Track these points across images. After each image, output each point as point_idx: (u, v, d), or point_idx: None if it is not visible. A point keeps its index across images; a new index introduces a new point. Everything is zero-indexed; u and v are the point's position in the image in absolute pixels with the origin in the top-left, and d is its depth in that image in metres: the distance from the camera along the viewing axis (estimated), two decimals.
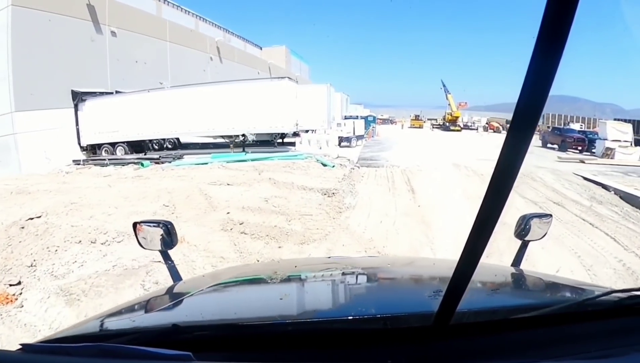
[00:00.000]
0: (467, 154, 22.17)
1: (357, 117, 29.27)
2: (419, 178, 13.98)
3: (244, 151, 21.27)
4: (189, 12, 37.50)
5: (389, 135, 38.54)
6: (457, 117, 56.32)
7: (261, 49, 53.28)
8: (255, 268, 2.75)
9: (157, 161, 19.05)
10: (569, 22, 0.55)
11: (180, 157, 20.14)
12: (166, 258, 2.12)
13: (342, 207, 9.85)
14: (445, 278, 0.89)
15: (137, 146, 22.56)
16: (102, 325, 1.30)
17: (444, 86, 59.14)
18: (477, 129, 57.18)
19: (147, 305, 1.58)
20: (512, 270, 1.97)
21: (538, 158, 20.96)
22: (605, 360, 0.98)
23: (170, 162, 18.60)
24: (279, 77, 22.10)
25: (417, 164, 16.56)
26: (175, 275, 2.09)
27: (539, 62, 0.59)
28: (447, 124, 55.91)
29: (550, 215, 2.24)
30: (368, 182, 13.17)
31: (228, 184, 12.22)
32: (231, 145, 21.67)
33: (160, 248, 2.06)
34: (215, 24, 42.03)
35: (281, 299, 1.39)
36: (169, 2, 34.27)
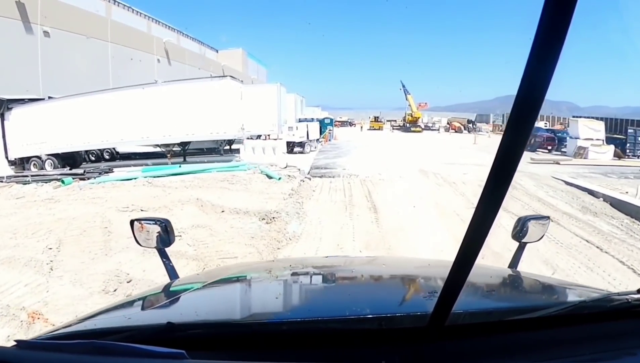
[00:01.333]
0: (433, 157, 20.19)
1: (312, 120, 26.85)
2: (382, 190, 11.68)
3: (184, 160, 18.85)
4: (140, 13, 35.89)
5: (348, 138, 36.23)
6: (417, 118, 55.32)
7: (217, 52, 52.24)
8: (251, 267, 2.62)
9: (81, 176, 16.00)
10: (568, 20, 0.55)
11: (109, 171, 17.12)
12: (163, 255, 2.07)
13: (283, 239, 7.38)
14: (441, 279, 0.91)
15: (70, 159, 19.53)
16: (97, 322, 1.30)
17: (403, 86, 58.29)
18: (438, 130, 56.39)
19: (142, 303, 1.58)
20: (509, 271, 1.96)
21: None
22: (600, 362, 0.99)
23: (96, 177, 15.58)
24: (219, 76, 19.38)
25: (379, 173, 14.27)
26: (172, 273, 2.03)
27: (536, 60, 0.58)
28: (408, 125, 54.80)
29: (548, 217, 2.20)
30: (320, 198, 10.72)
31: (142, 211, 9.48)
32: (168, 155, 18.83)
33: (157, 246, 2.03)
34: (169, 26, 40.59)
35: (276, 298, 1.43)
36: (119, 3, 32.73)
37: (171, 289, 1.75)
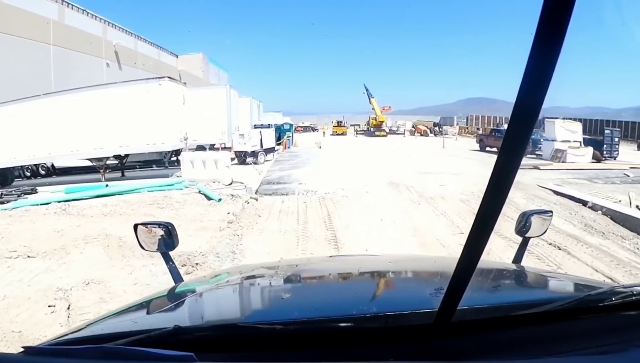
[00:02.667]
0: (402, 165, 18.17)
1: (268, 126, 24.44)
2: (345, 211, 9.43)
3: (122, 175, 16.47)
4: (96, 16, 33.17)
5: (309, 145, 33.67)
6: (382, 121, 53.83)
7: (177, 57, 49.71)
8: (257, 268, 2.35)
9: None
10: (567, 21, 0.56)
11: (32, 191, 14.09)
12: (167, 259, 2.06)
13: None
14: (447, 275, 0.93)
15: (1, 176, 16.93)
16: (104, 327, 1.30)
17: (367, 90, 57.06)
18: (403, 134, 54.97)
19: (148, 307, 1.55)
20: (513, 266, 1.96)
21: (486, 166, 17.45)
22: (607, 356, 0.97)
23: (16, 200, 12.60)
24: (156, 78, 16.73)
25: (342, 187, 12.01)
26: (177, 276, 2.03)
27: (537, 61, 0.59)
28: (372, 129, 53.18)
29: (551, 211, 2.21)
30: (266, 227, 8.33)
31: (29, 257, 6.87)
32: (101, 171, 16.05)
33: (160, 250, 2.03)
34: (127, 30, 37.98)
35: (282, 299, 1.41)
36: (73, 5, 30.26)
37: (176, 292, 1.73)
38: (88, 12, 32.18)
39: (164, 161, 19.39)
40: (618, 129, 26.97)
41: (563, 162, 20.50)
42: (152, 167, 19.20)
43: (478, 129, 53.93)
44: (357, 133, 55.82)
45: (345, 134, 54.56)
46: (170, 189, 12.07)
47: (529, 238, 2.05)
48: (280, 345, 0.99)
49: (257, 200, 10.38)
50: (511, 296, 1.56)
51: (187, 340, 0.97)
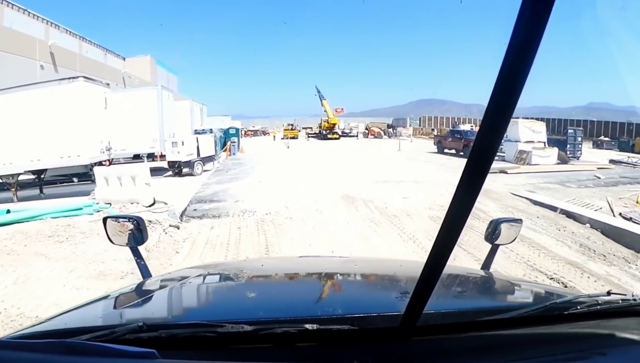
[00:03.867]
0: (357, 172, 16.29)
1: (210, 131, 21.96)
2: (288, 240, 7.36)
3: (41, 193, 13.72)
4: (38, 17, 31.01)
5: (257, 150, 31.26)
6: (334, 124, 52.29)
7: (124, 59, 47.80)
8: (224, 267, 2.51)
9: None
10: (543, 24, 0.56)
11: None
12: (136, 254, 2.04)
13: None
14: (413, 279, 0.90)
15: None
16: (68, 321, 1.27)
17: (318, 92, 55.62)
18: (356, 136, 53.66)
19: (114, 302, 1.53)
20: (482, 272, 1.98)
21: (449, 171, 15.90)
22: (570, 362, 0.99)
23: None
24: (69, 78, 14.03)
25: (286, 204, 9.92)
26: (145, 272, 2.00)
27: (511, 63, 0.59)
28: (324, 132, 51.45)
29: (521, 220, 2.21)
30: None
31: None
32: (12, 189, 13.25)
33: (130, 244, 2.00)
34: (71, 32, 35.96)
35: (248, 298, 1.39)
36: (13, 5, 28.44)
37: (143, 288, 1.72)
38: (29, 12, 30.07)
39: (91, 174, 16.72)
40: (581, 129, 26.57)
41: (528, 164, 19.55)
42: (71, 182, 16.39)
43: (433, 130, 53.51)
44: (308, 136, 53.70)
45: (297, 138, 52.35)
46: (79, 215, 9.55)
47: (498, 245, 2.05)
48: (243, 345, 0.98)
49: (178, 228, 8.14)
50: (477, 302, 1.57)
51: (151, 337, 0.95)
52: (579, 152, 23.84)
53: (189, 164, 15.87)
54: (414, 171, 16.85)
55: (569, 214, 9.13)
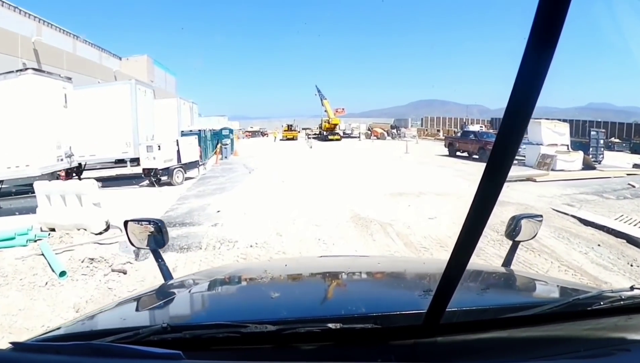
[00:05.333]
0: (366, 180, 13.94)
1: (198, 132, 19.59)
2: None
3: None
4: (30, 15, 30.01)
5: (252, 153, 28.60)
6: (335, 124, 50.05)
7: (120, 59, 46.84)
8: (246, 267, 2.56)
9: None
10: (561, 23, 0.56)
11: None
12: (157, 256, 2.02)
13: None
14: (436, 277, 0.96)
15: None
16: (92, 323, 1.30)
17: (319, 91, 53.80)
18: (359, 137, 51.25)
19: (138, 304, 1.54)
20: (502, 270, 1.97)
21: (468, 178, 13.54)
22: (594, 359, 0.95)
23: None
24: (16, 71, 11.74)
25: (277, 231, 7.56)
26: (167, 274, 1.97)
27: (530, 62, 0.59)
28: (325, 133, 49.14)
29: (541, 216, 2.14)
30: None
31: None
32: None
33: (150, 247, 2.00)
34: (64, 30, 34.98)
35: (271, 298, 1.37)
36: (3, 2, 27.54)
37: (166, 290, 1.71)
38: (20, 10, 29.09)
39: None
40: (603, 131, 24.28)
41: (552, 170, 17.30)
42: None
43: (438, 131, 51.41)
44: (308, 138, 51.16)
45: (296, 139, 50.00)
46: (10, 246, 7.23)
47: (519, 242, 2.02)
48: (268, 345, 0.98)
49: (125, 273, 5.82)
50: (500, 298, 1.55)
51: (176, 338, 0.95)
52: (601, 156, 21.52)
53: (167, 171, 13.49)
54: (430, 179, 14.55)
55: (631, 240, 7.16)
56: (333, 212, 9.10)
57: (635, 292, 1.14)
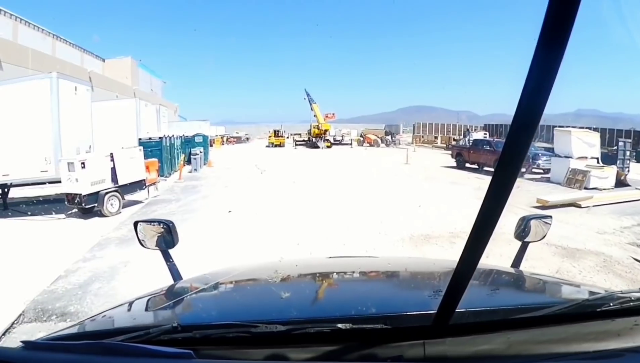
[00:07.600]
0: (371, 212, 10.31)
1: (159, 141, 15.95)
2: None
3: None
4: (6, 12, 28.56)
5: (231, 162, 24.70)
6: (325, 130, 46.67)
7: (104, 60, 45.21)
8: (256, 267, 2.32)
9: None
10: (569, 27, 0.55)
11: None
12: (167, 257, 1.99)
13: None
14: (445, 278, 0.99)
15: None
16: (103, 322, 1.31)
17: (308, 95, 50.95)
18: (350, 144, 47.82)
19: (148, 304, 1.51)
20: (512, 270, 1.92)
21: (508, 211, 10.17)
22: (604, 360, 0.95)
23: None
24: None
25: None
26: (176, 274, 1.95)
27: (538, 67, 0.59)
28: (314, 139, 45.55)
29: (550, 216, 2.11)
30: None
31: None
32: None
33: (160, 247, 1.96)
34: (42, 29, 33.52)
35: (281, 298, 1.36)
36: None
37: (176, 290, 1.70)
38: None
39: None
40: (630, 141, 21.19)
41: (585, 188, 14.16)
42: None
43: (436, 137, 48.26)
44: (296, 144, 47.57)
45: (283, 146, 46.29)
46: None
47: (528, 242, 1.99)
48: (278, 344, 0.97)
49: None
50: (509, 299, 1.52)
51: (186, 338, 0.95)
52: (627, 169, 18.22)
53: (97, 197, 9.80)
54: (450, 204, 11.02)
55: None
56: None
57: None
